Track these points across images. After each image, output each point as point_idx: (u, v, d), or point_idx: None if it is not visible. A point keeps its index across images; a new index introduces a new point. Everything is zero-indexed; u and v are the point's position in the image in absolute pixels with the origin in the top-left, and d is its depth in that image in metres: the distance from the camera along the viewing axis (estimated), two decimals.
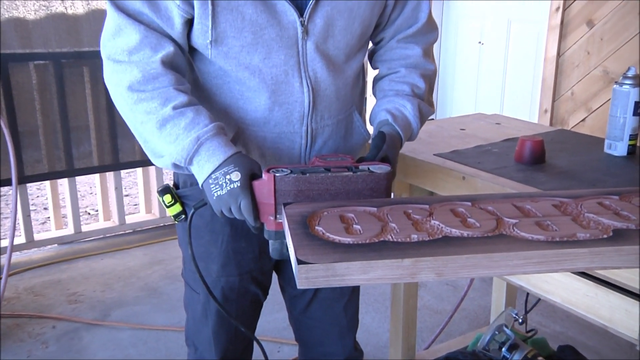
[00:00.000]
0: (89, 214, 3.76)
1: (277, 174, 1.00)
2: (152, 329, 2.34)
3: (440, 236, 0.87)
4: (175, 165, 1.05)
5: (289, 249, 0.87)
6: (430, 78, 1.26)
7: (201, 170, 1.03)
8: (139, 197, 3.54)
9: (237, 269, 1.25)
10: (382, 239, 0.86)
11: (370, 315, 2.43)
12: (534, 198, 1.01)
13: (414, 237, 0.86)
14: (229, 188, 1.00)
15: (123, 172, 3.83)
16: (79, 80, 2.82)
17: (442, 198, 1.02)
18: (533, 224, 0.89)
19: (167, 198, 1.21)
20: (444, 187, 1.39)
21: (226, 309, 1.25)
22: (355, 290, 1.42)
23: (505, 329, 1.73)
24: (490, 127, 1.73)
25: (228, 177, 1.00)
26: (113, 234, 3.20)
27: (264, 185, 1.01)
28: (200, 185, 1.04)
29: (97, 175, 3.13)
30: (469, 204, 0.99)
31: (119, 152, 3.00)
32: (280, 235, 1.03)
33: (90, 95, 2.87)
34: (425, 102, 1.24)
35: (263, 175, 1.01)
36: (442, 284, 2.71)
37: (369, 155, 1.10)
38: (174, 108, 1.03)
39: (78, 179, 3.37)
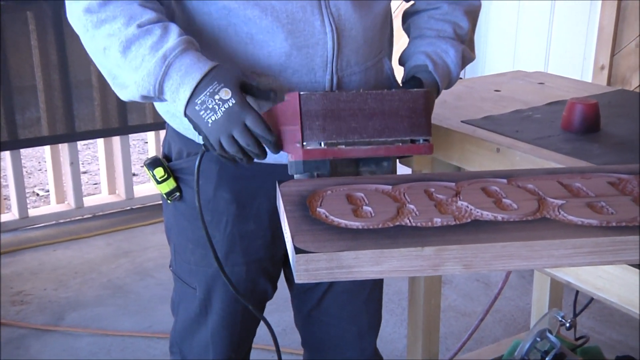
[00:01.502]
0: (38, 195, 3.78)
1: (302, 92, 1.03)
2: (117, 335, 2.36)
3: (469, 220, 0.88)
4: (145, 97, 1.05)
5: (285, 236, 0.88)
6: (474, 15, 1.27)
7: (177, 97, 1.03)
8: (99, 175, 3.56)
9: (244, 256, 1.27)
10: (398, 223, 0.87)
11: (383, 318, 2.44)
12: (585, 174, 1.02)
13: (437, 220, 0.87)
14: (224, 109, 1.01)
15: (80, 144, 3.82)
16: (22, 30, 2.82)
17: (471, 174, 1.03)
18: (584, 206, 0.90)
19: (159, 172, 1.22)
20: (473, 161, 1.40)
21: (241, 297, 1.23)
22: (378, 282, 1.43)
23: (549, 335, 1.74)
24: (531, 88, 1.73)
25: (217, 97, 1.01)
26: (68, 220, 3.22)
27: (287, 107, 1.03)
28: (183, 115, 1.04)
29: (47, 148, 3.15)
30: (504, 181, 1.00)
31: (75, 119, 3.01)
32: (311, 166, 1.04)
33: (37, 48, 2.86)
34: (467, 46, 1.25)
35: (285, 96, 1.04)
36: (471, 279, 2.73)
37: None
38: (139, 26, 1.03)
39: (23, 152, 3.37)
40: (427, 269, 0.81)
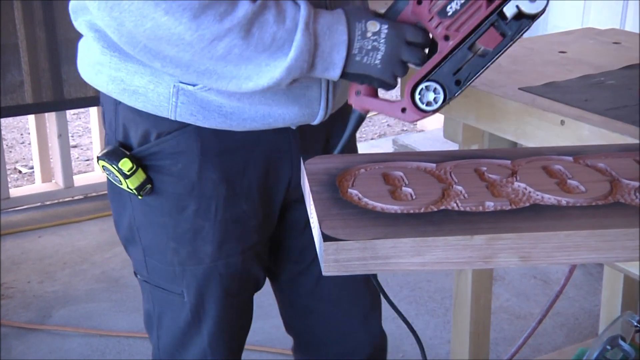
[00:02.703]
0: (20, 172, 3.82)
1: (429, 109, 1.07)
2: (112, 336, 2.40)
3: (528, 204, 0.88)
4: (278, 84, 1.06)
5: (311, 221, 0.90)
6: None
7: (330, 64, 1.07)
8: (92, 149, 3.59)
9: (239, 244, 1.28)
10: (443, 207, 0.87)
11: (422, 320, 2.47)
12: None
13: (489, 205, 0.87)
14: (383, 40, 1.06)
15: (69, 113, 3.86)
16: None
17: (530, 151, 1.03)
18: None
19: (126, 164, 1.20)
20: (533, 136, 1.39)
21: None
22: None
23: (622, 342, 1.74)
24: (604, 49, 1.71)
25: (369, 34, 1.06)
26: (56, 201, 3.26)
27: (415, 118, 1.08)
28: (338, 77, 1.08)
29: (31, 118, 3.18)
30: (571, 159, 1.00)
31: (64, 83, 3.03)
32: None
33: (19, 0, 2.88)
34: None
35: (409, 110, 1.08)
36: (528, 275, 2.72)
37: None
38: (252, 1, 1.04)
39: (3, 122, 3.41)
40: (476, 261, 0.82)
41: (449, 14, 1.04)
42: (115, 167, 1.20)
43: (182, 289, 1.30)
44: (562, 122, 1.34)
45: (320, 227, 0.82)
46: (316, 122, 1.22)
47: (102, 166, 1.22)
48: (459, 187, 0.92)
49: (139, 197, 1.23)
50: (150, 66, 1.13)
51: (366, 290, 1.44)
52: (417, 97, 1.07)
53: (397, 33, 1.06)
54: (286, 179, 1.28)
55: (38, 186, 3.26)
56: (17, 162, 3.94)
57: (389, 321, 2.45)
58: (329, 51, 1.05)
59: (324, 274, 0.81)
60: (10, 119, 4.06)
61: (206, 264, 1.27)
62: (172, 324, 1.34)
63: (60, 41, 2.98)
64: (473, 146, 1.57)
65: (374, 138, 4.34)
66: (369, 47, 1.06)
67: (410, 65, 1.10)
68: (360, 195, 0.90)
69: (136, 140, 1.22)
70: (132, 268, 1.38)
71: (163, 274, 1.30)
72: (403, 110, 1.08)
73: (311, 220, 0.90)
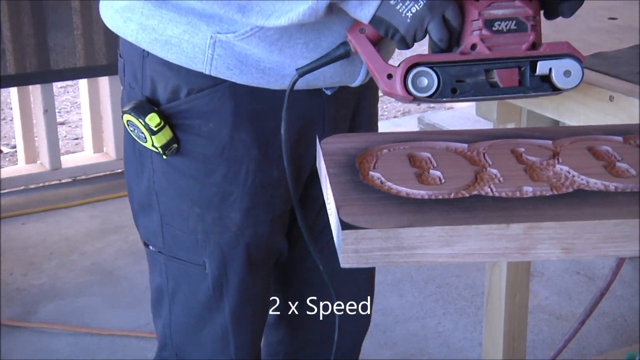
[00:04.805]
0: (2, 152, 3.83)
1: (417, 94, 1.09)
2: (104, 334, 2.41)
3: (571, 190, 0.88)
4: (312, 12, 1.10)
5: (328, 207, 0.90)
6: None
7: (364, 2, 1.10)
8: (82, 127, 3.59)
9: (268, 212, 1.32)
10: (475, 192, 0.87)
11: (451, 319, 2.47)
12: None
13: (528, 190, 0.88)
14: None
15: (56, 86, 3.86)
16: None
17: (573, 130, 1.03)
18: None
19: (153, 119, 1.24)
20: (577, 113, 1.39)
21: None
22: None
23: None
24: None
25: None
26: (41, 185, 3.27)
27: (397, 97, 1.10)
28: (368, 20, 1.11)
29: (13, 90, 3.19)
30: (620, 139, 1.00)
31: (50, 52, 3.04)
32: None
33: None
34: None
35: (396, 84, 1.11)
36: (570, 270, 2.72)
37: None
38: None
39: None
40: (513, 252, 0.82)
41: (494, 29, 1.09)
42: (141, 121, 1.23)
43: (204, 259, 1.32)
44: (611, 98, 1.34)
45: (338, 214, 0.83)
46: (356, 83, 1.25)
47: (127, 121, 1.26)
48: (494, 170, 0.92)
49: (164, 157, 1.27)
50: (187, 14, 1.17)
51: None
52: (410, 74, 1.10)
53: (441, 3, 1.08)
54: (315, 148, 1.31)
55: (21, 167, 3.28)
56: None
57: (413, 321, 2.46)
58: None
59: (342, 265, 0.81)
60: None
61: (232, 232, 1.30)
62: (189, 298, 1.36)
63: (46, 3, 2.99)
64: (509, 125, 1.57)
65: (397, 116, 4.33)
66: None
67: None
68: (382, 178, 0.90)
69: (165, 97, 1.26)
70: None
71: (183, 243, 1.33)
72: (389, 76, 1.11)
73: (328, 206, 0.91)
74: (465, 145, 0.99)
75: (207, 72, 1.20)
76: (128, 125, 1.26)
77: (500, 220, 0.81)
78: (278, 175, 1.29)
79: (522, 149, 0.97)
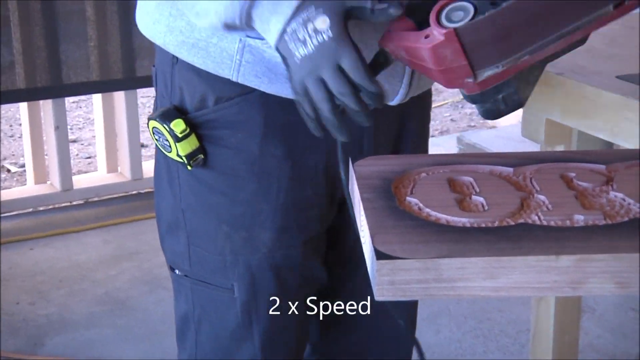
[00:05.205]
0: (9, 171, 3.86)
1: (457, 25, 1.05)
2: None
3: (626, 218, 0.88)
4: (229, 26, 1.12)
5: (361, 234, 0.91)
6: None
7: (267, 29, 1.10)
8: (95, 145, 3.60)
9: (301, 234, 1.32)
10: (522, 220, 0.88)
11: (492, 358, 2.46)
12: None
13: (579, 218, 0.88)
14: (316, 42, 1.07)
15: (68, 101, 3.87)
16: None
17: (629, 153, 1.03)
18: None
19: (178, 125, 1.26)
20: (633, 135, 1.39)
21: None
22: None
23: None
24: None
25: (310, 26, 1.07)
26: (51, 207, 3.29)
27: (443, 47, 1.06)
28: (274, 49, 1.11)
29: (23, 106, 3.22)
30: None
31: (62, 65, 3.06)
32: (490, 93, 1.09)
33: None
34: None
35: (433, 30, 1.06)
36: (624, 307, 2.70)
37: None
38: None
39: None
40: (562, 286, 0.82)
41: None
42: (167, 127, 1.26)
43: (233, 283, 1.33)
44: None
45: (372, 242, 0.83)
46: (395, 102, 1.24)
47: (152, 128, 1.28)
48: (542, 197, 0.92)
49: (189, 168, 1.28)
50: None
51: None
52: (443, 15, 1.05)
53: (335, 49, 1.05)
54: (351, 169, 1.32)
55: (30, 188, 3.30)
56: (5, 159, 3.98)
57: (451, 359, 2.45)
58: (268, 14, 1.08)
59: (376, 298, 0.82)
60: None
61: (262, 254, 1.30)
62: (216, 326, 1.37)
63: (58, 14, 3.01)
64: (558, 147, 1.56)
65: (435, 135, 4.33)
66: (300, 36, 1.06)
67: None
68: (421, 204, 0.91)
69: (192, 105, 1.28)
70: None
71: (210, 265, 1.34)
72: (427, 36, 1.06)
73: (361, 234, 0.91)
74: (511, 169, 0.99)
75: (234, 79, 1.22)
76: (154, 133, 1.28)
77: (549, 251, 0.82)
78: (311, 194, 1.30)
79: (573, 174, 0.97)
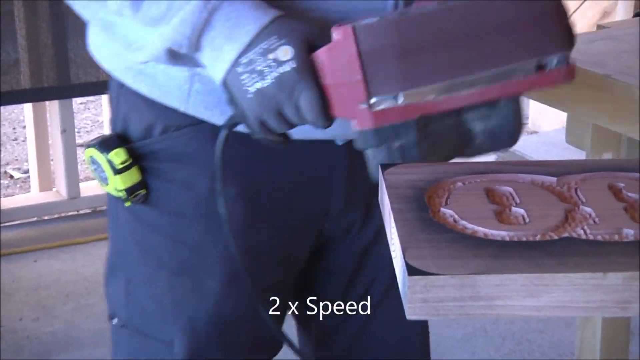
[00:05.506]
0: (12, 177, 3.89)
1: (356, 24, 1.03)
2: None
3: None
4: (171, 55, 1.08)
5: (392, 247, 0.90)
6: None
7: (218, 57, 1.06)
8: None
9: (255, 283, 1.24)
10: (566, 234, 0.87)
11: None
12: None
13: (629, 233, 0.87)
14: (276, 74, 1.04)
15: (76, 102, 3.90)
16: None
17: None
18: None
19: (118, 156, 1.22)
20: None
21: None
22: None
23: None
24: None
25: (271, 56, 1.04)
26: (56, 216, 3.31)
27: (338, 50, 1.04)
28: (220, 82, 1.08)
29: (27, 107, 3.24)
30: None
31: (71, 64, 3.08)
32: (387, 134, 1.05)
33: None
34: None
35: (333, 33, 1.04)
36: None
37: None
38: None
39: None
40: (610, 306, 0.81)
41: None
42: (105, 157, 1.22)
43: (173, 337, 1.29)
44: None
45: (404, 257, 0.83)
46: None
47: (90, 157, 1.25)
48: (588, 209, 0.92)
49: (127, 204, 1.24)
50: None
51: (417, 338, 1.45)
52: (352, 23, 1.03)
53: (296, 82, 1.04)
54: (324, 207, 1.29)
55: (35, 196, 3.33)
56: (7, 164, 4.01)
57: None
58: (221, 40, 1.05)
59: (407, 317, 0.82)
60: (1, 107, 4.14)
61: (209, 305, 1.27)
62: None
63: (67, 9, 3.02)
64: (605, 154, 1.56)
65: None
66: (258, 67, 1.04)
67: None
68: (456, 216, 0.90)
69: (137, 133, 1.25)
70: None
71: (149, 315, 1.30)
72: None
73: (392, 248, 0.91)
74: (554, 178, 0.99)
75: (182, 110, 1.19)
76: (91, 163, 1.25)
77: (596, 267, 0.81)
78: (269, 237, 1.26)
79: (622, 184, 0.97)
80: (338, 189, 1.28)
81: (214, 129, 1.18)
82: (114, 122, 1.29)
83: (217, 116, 1.18)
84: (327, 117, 1.06)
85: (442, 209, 0.92)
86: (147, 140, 1.24)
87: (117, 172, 1.22)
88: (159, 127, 1.23)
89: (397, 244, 0.87)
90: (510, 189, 0.96)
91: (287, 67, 1.04)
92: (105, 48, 1.25)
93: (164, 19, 1.06)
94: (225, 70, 1.06)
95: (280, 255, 1.30)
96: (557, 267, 0.81)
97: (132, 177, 1.23)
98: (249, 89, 1.05)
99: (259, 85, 1.04)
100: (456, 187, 0.97)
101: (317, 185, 1.27)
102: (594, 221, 0.90)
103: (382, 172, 1.00)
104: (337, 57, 1.03)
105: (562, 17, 1.07)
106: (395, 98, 1.03)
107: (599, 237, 0.87)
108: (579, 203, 0.93)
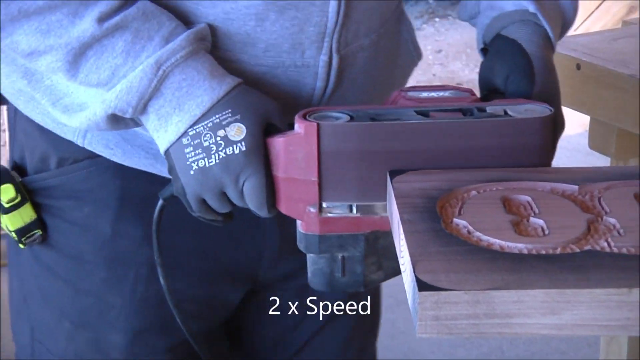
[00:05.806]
0: None
1: (322, 122, 1.03)
2: None
3: None
4: (113, 119, 1.06)
5: (401, 262, 0.90)
6: None
7: (164, 126, 1.05)
8: None
9: (165, 337, 1.24)
10: (588, 246, 0.87)
11: None
12: None
13: None
14: (222, 155, 1.03)
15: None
16: None
17: None
18: None
19: (7, 192, 1.17)
20: None
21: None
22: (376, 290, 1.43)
23: None
24: None
25: (221, 133, 1.03)
26: None
27: (297, 144, 1.04)
28: (163, 152, 1.07)
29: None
30: None
31: None
32: (332, 243, 1.06)
33: None
34: None
35: (296, 124, 1.04)
36: None
37: (509, 88, 1.13)
38: (99, 20, 1.02)
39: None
40: (636, 324, 0.81)
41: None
42: None
43: None
44: None
45: (414, 271, 0.83)
46: None
47: None
48: (612, 220, 0.91)
49: (21, 246, 1.21)
50: None
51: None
52: (312, 115, 1.04)
53: (244, 167, 1.03)
54: (253, 252, 1.27)
55: None
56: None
57: None
58: (170, 110, 1.04)
59: (417, 335, 0.81)
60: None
61: None
62: None
63: None
64: (631, 161, 1.56)
65: None
66: (205, 143, 1.03)
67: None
68: (470, 227, 0.90)
69: (32, 165, 1.22)
70: None
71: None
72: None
73: (401, 261, 0.91)
74: (576, 187, 0.98)
75: (80, 144, 1.16)
76: None
77: (621, 283, 0.81)
78: (182, 285, 1.22)
79: None
80: (268, 231, 1.26)
81: (117, 164, 1.16)
82: (11, 149, 1.25)
83: (120, 155, 1.16)
84: (271, 208, 1.05)
85: (455, 220, 0.92)
86: (41, 174, 1.21)
87: (5, 211, 1.18)
88: (54, 159, 1.20)
89: (406, 257, 0.87)
90: (529, 198, 0.96)
91: (236, 149, 1.03)
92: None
93: (107, 85, 1.04)
94: (170, 142, 1.05)
95: (199, 305, 1.27)
96: (579, 283, 0.81)
97: (24, 216, 1.19)
98: (192, 165, 1.04)
99: (202, 163, 1.03)
100: (470, 196, 0.97)
101: (243, 231, 1.25)
102: (619, 233, 0.89)
103: (391, 180, 1.00)
104: (295, 151, 1.03)
105: (547, 156, 1.08)
106: (349, 207, 1.04)
107: (624, 250, 0.86)
108: (602, 213, 0.93)
